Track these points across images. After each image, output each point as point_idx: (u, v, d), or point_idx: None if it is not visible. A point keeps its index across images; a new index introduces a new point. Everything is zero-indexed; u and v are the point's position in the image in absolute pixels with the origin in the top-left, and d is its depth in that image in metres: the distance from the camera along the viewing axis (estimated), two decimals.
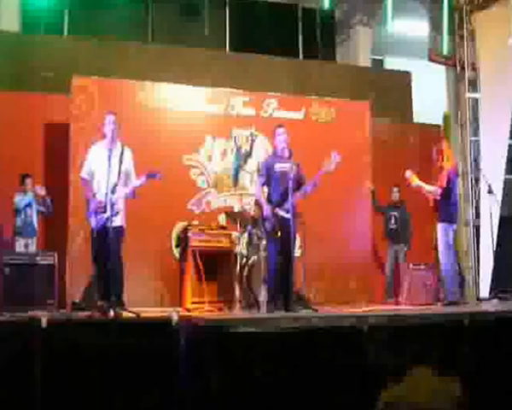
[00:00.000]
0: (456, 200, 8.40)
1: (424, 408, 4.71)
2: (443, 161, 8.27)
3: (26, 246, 9.13)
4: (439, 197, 8.11)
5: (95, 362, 4.94)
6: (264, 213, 7.53)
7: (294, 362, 5.02)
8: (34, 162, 9.61)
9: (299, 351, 5.09)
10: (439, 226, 8.15)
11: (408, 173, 8.43)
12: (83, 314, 6.93)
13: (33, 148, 9.67)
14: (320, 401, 4.94)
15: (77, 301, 8.46)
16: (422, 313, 6.94)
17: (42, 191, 8.98)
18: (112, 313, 6.33)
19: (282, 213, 7.35)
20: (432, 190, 8.19)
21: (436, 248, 9.57)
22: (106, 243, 6.64)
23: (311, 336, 5.29)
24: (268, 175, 7.60)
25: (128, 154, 7.04)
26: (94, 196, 6.89)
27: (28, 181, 9.21)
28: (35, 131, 9.70)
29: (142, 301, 8.40)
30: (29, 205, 9.16)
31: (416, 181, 8.39)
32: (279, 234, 7.36)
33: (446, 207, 8.15)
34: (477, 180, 11.70)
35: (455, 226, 8.31)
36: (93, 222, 6.87)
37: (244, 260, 8.77)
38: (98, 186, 6.90)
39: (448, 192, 8.15)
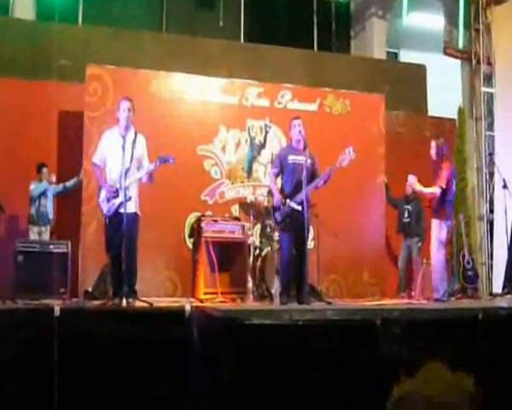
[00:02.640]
0: (453, 198, 8.36)
1: (438, 403, 4.70)
2: (443, 160, 8.25)
3: (40, 234, 9.21)
4: (437, 195, 8.10)
5: (107, 351, 4.93)
6: (275, 202, 7.52)
7: (307, 354, 4.93)
8: (49, 150, 9.65)
9: (311, 343, 4.99)
10: (435, 222, 8.11)
11: (411, 179, 8.42)
12: (96, 303, 6.94)
13: (48, 136, 9.71)
14: (333, 394, 4.86)
15: (89, 289, 8.47)
16: (436, 307, 6.89)
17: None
18: (124, 302, 6.29)
19: (293, 204, 7.31)
20: (431, 191, 8.19)
21: (450, 244, 9.59)
22: (119, 231, 6.50)
23: (325, 329, 5.19)
24: (281, 166, 7.57)
25: (141, 140, 6.93)
26: (106, 181, 6.80)
27: (45, 170, 9.31)
28: (50, 119, 9.74)
29: (154, 290, 8.52)
30: (43, 194, 9.22)
31: (418, 186, 8.41)
32: (289, 225, 7.34)
33: (442, 204, 8.13)
34: (491, 175, 11.62)
35: (449, 223, 8.29)
36: (105, 208, 6.76)
37: (257, 251, 8.77)
38: (110, 172, 6.81)
39: (446, 192, 8.13)
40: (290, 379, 4.82)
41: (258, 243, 8.90)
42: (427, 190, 8.29)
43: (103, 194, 6.81)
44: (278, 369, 4.81)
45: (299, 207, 7.22)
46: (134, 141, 6.79)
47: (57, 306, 5.09)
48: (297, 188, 7.33)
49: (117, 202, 6.63)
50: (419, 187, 8.39)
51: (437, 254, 8.06)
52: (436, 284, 8.04)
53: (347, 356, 4.95)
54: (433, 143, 8.41)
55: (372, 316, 5.38)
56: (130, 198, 6.61)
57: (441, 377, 4.37)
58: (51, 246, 8.49)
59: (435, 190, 8.09)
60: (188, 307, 5.35)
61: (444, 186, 8.04)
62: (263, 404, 4.75)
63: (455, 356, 4.93)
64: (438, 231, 8.05)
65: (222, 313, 5.44)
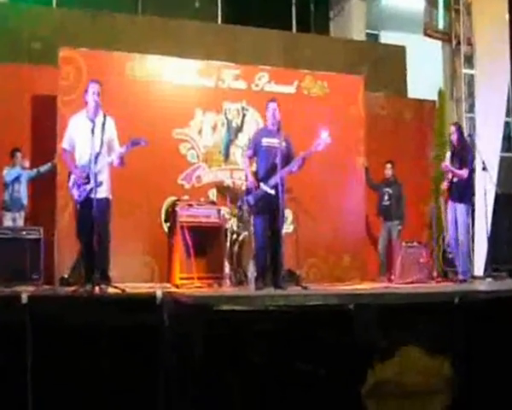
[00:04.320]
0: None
1: (414, 388, 4.62)
2: (465, 143, 8.62)
3: (14, 220, 9.05)
4: (465, 178, 8.32)
5: (77, 338, 4.80)
6: (248, 185, 7.50)
7: (278, 340, 4.85)
8: (22, 135, 9.47)
9: (283, 329, 4.92)
10: (462, 208, 8.33)
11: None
12: (68, 290, 6.83)
13: (21, 120, 9.50)
14: (305, 381, 4.79)
15: (65, 276, 8.37)
16: (412, 291, 6.83)
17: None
18: (97, 288, 6.18)
19: (265, 188, 7.22)
20: (461, 172, 8.34)
21: (431, 227, 9.56)
22: (90, 216, 6.40)
23: (297, 315, 5.11)
24: (255, 149, 7.49)
25: (110, 122, 6.82)
26: (76, 166, 6.70)
27: (18, 155, 9.16)
28: (23, 104, 9.54)
29: (132, 276, 8.40)
30: (17, 179, 9.07)
31: (450, 166, 8.49)
32: (263, 208, 7.28)
33: (466, 189, 8.42)
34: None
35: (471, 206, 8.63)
36: (76, 194, 6.67)
37: (234, 236, 8.66)
38: (80, 157, 6.71)
39: (470, 175, 8.44)
40: (260, 366, 4.76)
41: (235, 228, 8.77)
42: (458, 171, 8.37)
43: (73, 179, 6.71)
44: (248, 355, 4.76)
45: (272, 191, 7.16)
46: (103, 124, 6.69)
47: (24, 293, 4.95)
48: (271, 171, 7.26)
49: (88, 187, 6.54)
50: (450, 167, 8.45)
51: (466, 237, 8.40)
52: (466, 266, 8.42)
53: (320, 342, 4.89)
54: (453, 128, 8.65)
55: (346, 301, 5.28)
56: (101, 183, 6.55)
57: (417, 362, 4.30)
58: (23, 232, 8.34)
59: (465, 173, 8.29)
60: (159, 294, 5.21)
61: (470, 167, 8.36)
62: (233, 391, 4.70)
63: (431, 341, 4.91)
64: (465, 215, 8.33)
65: (191, 300, 5.35)
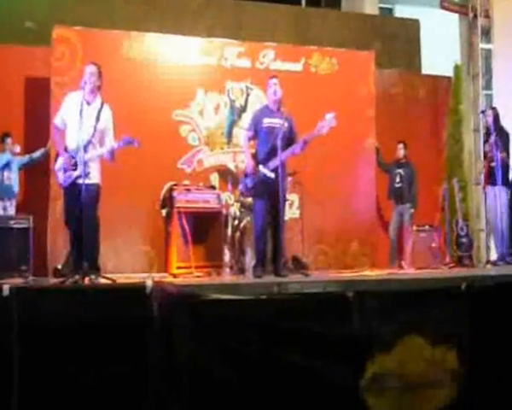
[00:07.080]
0: None
1: (416, 381, 4.26)
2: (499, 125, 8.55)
3: (5, 209, 8.72)
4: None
5: (62, 331, 4.63)
6: (247, 168, 7.16)
7: (269, 331, 4.65)
8: (14, 119, 9.14)
9: (274, 319, 4.70)
10: (504, 190, 8.35)
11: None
12: (55, 281, 6.58)
13: (13, 103, 9.19)
14: (299, 375, 4.59)
15: (59, 267, 8.09)
16: (416, 277, 6.56)
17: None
18: (86, 279, 5.95)
19: (265, 171, 6.82)
20: (502, 156, 8.31)
21: (443, 210, 9.23)
22: (78, 203, 6.17)
23: (291, 303, 4.91)
24: (255, 129, 7.14)
25: (107, 111, 6.53)
26: (65, 149, 6.40)
27: (8, 141, 8.84)
28: (15, 86, 9.22)
29: (130, 266, 8.36)
30: (7, 166, 8.76)
31: None
32: (262, 192, 6.95)
33: (507, 171, 8.38)
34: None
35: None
36: (61, 178, 6.42)
37: (236, 222, 8.30)
38: (70, 140, 6.41)
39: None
40: (250, 357, 4.59)
41: (237, 214, 8.40)
42: (500, 154, 8.33)
43: (60, 162, 6.45)
44: (237, 346, 4.61)
45: (272, 175, 6.80)
46: (99, 111, 6.42)
47: (6, 285, 4.73)
48: (271, 153, 6.91)
49: (74, 174, 6.30)
50: (495, 150, 8.36)
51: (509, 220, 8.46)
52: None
53: (315, 332, 4.68)
54: (490, 111, 8.81)
55: (345, 288, 5.10)
56: (88, 173, 6.26)
57: (420, 353, 3.90)
58: (11, 221, 8.01)
59: (505, 156, 8.31)
60: (149, 284, 4.96)
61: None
62: (223, 382, 4.54)
63: (435, 331, 4.68)
64: (507, 198, 8.38)
65: (179, 289, 5.11)
